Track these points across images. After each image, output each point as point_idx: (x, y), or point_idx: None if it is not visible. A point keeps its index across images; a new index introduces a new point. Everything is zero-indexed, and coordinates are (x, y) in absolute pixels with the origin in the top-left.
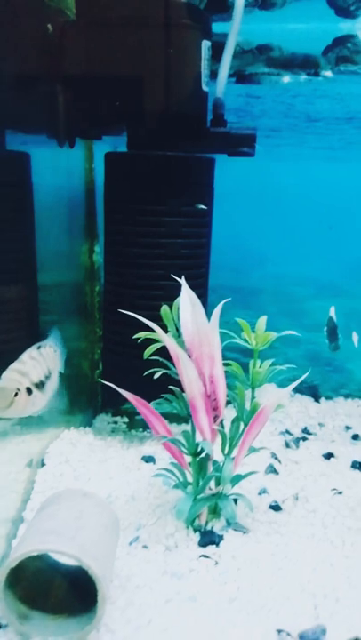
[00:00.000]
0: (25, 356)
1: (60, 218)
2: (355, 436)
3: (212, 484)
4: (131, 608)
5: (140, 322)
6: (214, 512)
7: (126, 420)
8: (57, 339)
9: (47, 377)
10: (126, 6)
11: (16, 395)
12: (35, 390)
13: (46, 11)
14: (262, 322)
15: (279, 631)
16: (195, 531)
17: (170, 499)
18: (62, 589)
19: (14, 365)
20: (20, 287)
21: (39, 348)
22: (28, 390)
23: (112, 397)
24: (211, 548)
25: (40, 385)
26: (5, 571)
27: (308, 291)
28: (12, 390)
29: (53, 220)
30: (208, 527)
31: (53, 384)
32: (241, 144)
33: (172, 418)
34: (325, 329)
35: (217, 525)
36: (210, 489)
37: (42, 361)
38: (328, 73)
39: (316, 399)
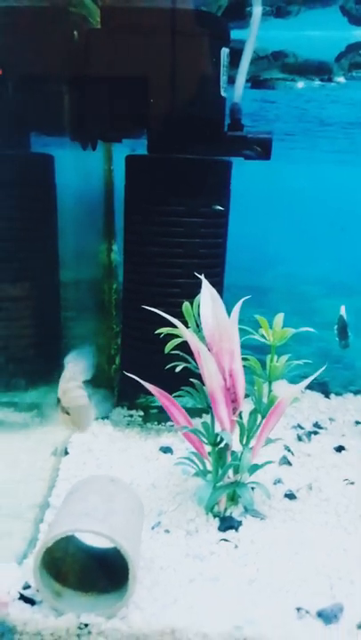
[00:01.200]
0: (68, 371)
1: (81, 217)
2: None
3: (230, 472)
4: (157, 587)
5: (159, 317)
6: (233, 499)
7: (141, 413)
8: (84, 354)
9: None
10: (149, 15)
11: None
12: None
13: (71, 18)
14: (280, 319)
15: (298, 609)
16: (214, 516)
17: (189, 487)
18: (91, 569)
19: (68, 385)
20: (43, 284)
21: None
22: None
23: (127, 391)
24: (230, 533)
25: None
26: (41, 550)
27: (320, 290)
28: (86, 406)
29: (74, 219)
30: (227, 513)
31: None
32: (257, 148)
33: (187, 412)
34: (336, 327)
35: (235, 512)
36: (228, 477)
37: (78, 371)
38: (341, 79)
39: (326, 395)
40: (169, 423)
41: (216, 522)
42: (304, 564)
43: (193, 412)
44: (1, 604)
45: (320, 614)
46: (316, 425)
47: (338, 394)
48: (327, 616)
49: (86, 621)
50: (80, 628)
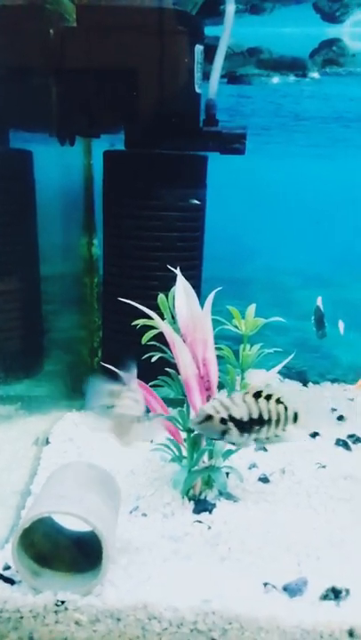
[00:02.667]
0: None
1: (61, 212)
2: (340, 417)
3: (205, 457)
4: (132, 566)
5: (138, 310)
6: (207, 483)
7: None
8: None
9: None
10: (124, 14)
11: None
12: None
13: (47, 15)
14: (251, 309)
15: (265, 584)
16: (190, 500)
17: (166, 473)
18: (69, 551)
19: (129, 393)
20: (23, 278)
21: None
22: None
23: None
24: (204, 515)
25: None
26: (19, 531)
27: (297, 281)
28: (134, 418)
29: (54, 214)
30: (202, 497)
31: None
32: (232, 142)
33: (166, 403)
34: (313, 317)
35: (210, 495)
36: (203, 462)
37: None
38: (315, 74)
39: (305, 384)
40: (151, 413)
41: (191, 505)
42: (274, 543)
43: (175, 403)
44: None
45: (286, 588)
46: None
47: (316, 382)
48: (292, 590)
49: (63, 599)
50: (57, 605)
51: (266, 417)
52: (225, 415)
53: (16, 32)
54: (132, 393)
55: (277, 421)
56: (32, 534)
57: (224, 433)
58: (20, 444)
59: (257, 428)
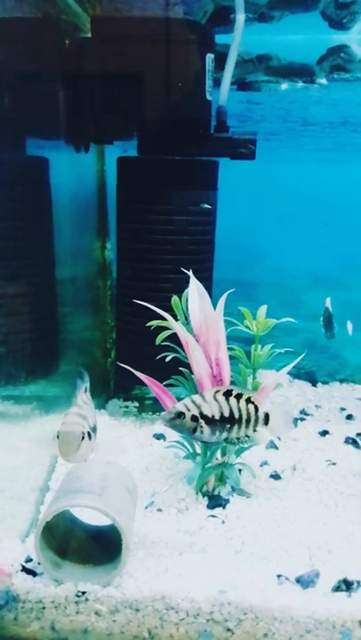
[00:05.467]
0: (80, 399)
1: (75, 217)
2: (348, 416)
3: (218, 454)
4: (149, 559)
5: (151, 311)
6: (220, 479)
7: (136, 404)
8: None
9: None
10: (137, 24)
11: (82, 439)
12: (92, 435)
13: (63, 26)
14: (263, 310)
15: (279, 576)
16: (203, 496)
17: (180, 469)
18: (88, 544)
19: (75, 409)
20: (40, 281)
21: (86, 390)
22: (88, 435)
23: (123, 383)
24: (218, 510)
25: (93, 430)
26: (42, 524)
27: (306, 283)
28: (79, 434)
29: (69, 218)
30: (215, 492)
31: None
32: (242, 148)
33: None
34: (322, 318)
35: (223, 491)
36: (216, 459)
37: (91, 406)
38: (323, 80)
39: (314, 384)
40: (163, 412)
41: (205, 500)
42: (286, 537)
43: None
44: (5, 574)
45: (298, 580)
46: (303, 412)
47: (325, 382)
48: (305, 581)
49: (84, 589)
50: (78, 595)
51: (237, 415)
52: (196, 413)
53: (34, 42)
54: (78, 408)
55: (248, 421)
56: (53, 527)
57: (195, 430)
58: (37, 443)
59: (228, 426)
